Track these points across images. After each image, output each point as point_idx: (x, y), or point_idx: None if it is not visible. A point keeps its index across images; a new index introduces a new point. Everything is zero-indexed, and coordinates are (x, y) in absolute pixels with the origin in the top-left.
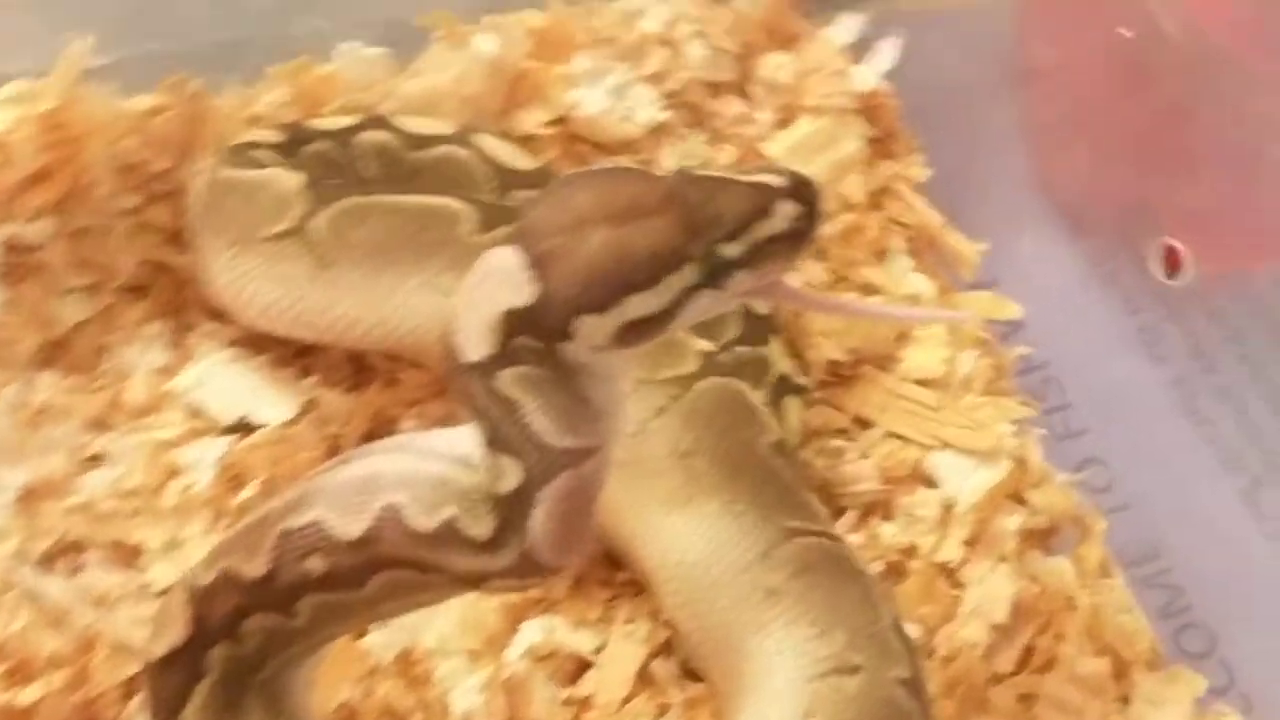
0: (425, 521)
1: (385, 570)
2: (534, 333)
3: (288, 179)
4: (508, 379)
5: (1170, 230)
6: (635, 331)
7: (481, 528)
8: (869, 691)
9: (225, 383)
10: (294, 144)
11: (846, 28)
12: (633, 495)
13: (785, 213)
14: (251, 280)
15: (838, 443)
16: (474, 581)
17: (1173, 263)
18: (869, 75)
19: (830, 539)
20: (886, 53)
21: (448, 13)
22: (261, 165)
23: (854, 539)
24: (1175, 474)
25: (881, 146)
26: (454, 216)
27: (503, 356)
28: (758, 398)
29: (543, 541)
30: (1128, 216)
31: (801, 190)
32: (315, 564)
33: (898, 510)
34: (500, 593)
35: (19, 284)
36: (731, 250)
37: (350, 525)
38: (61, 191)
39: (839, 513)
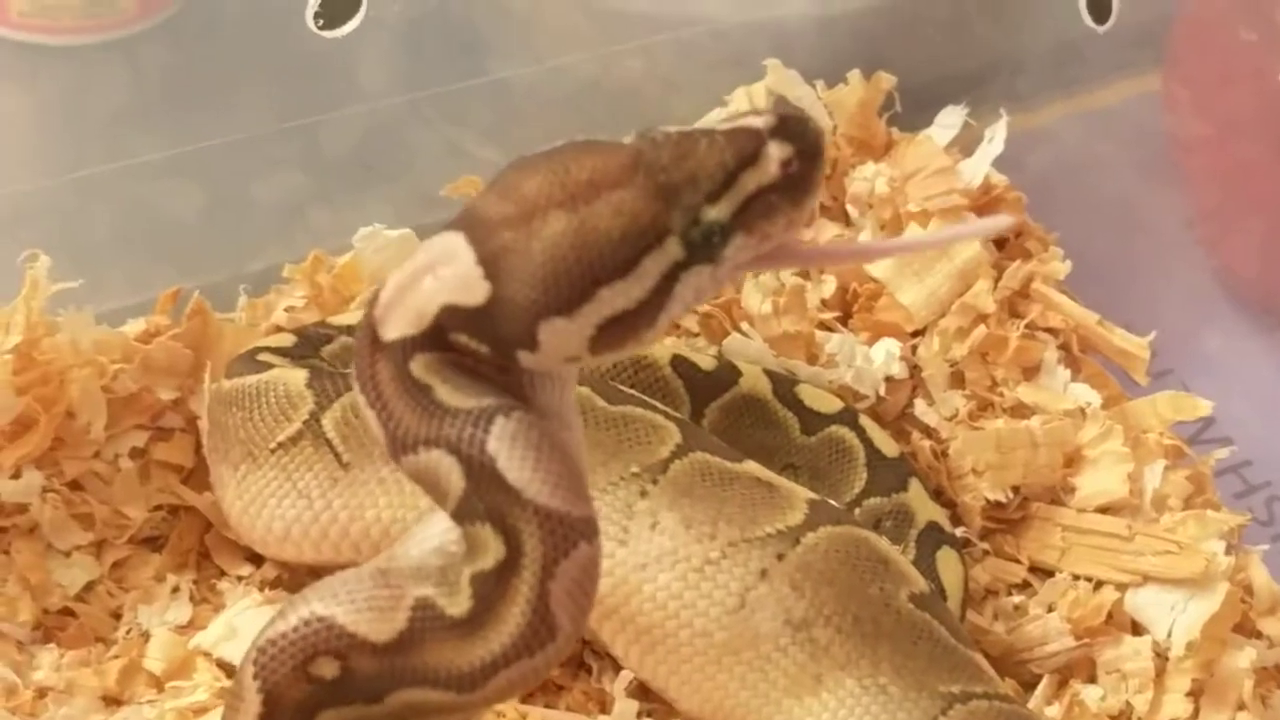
0: (461, 603)
1: (411, 688)
2: (476, 335)
3: (290, 376)
4: (423, 364)
5: None
6: (616, 331)
7: (490, 548)
8: None
9: (259, 631)
10: (309, 345)
11: (946, 124)
12: (748, 686)
13: (776, 156)
14: (266, 501)
15: (1017, 599)
16: (534, 631)
17: None
18: (979, 167)
19: (1003, 699)
20: (995, 138)
21: (477, 179)
22: (265, 369)
23: (1051, 712)
24: None
25: (1010, 246)
26: None
27: (427, 340)
28: (892, 548)
29: (532, 480)
30: None
31: (791, 126)
32: (325, 668)
33: (1101, 668)
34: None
35: (4, 551)
36: (717, 212)
37: (379, 624)
38: (45, 438)
39: (1030, 682)
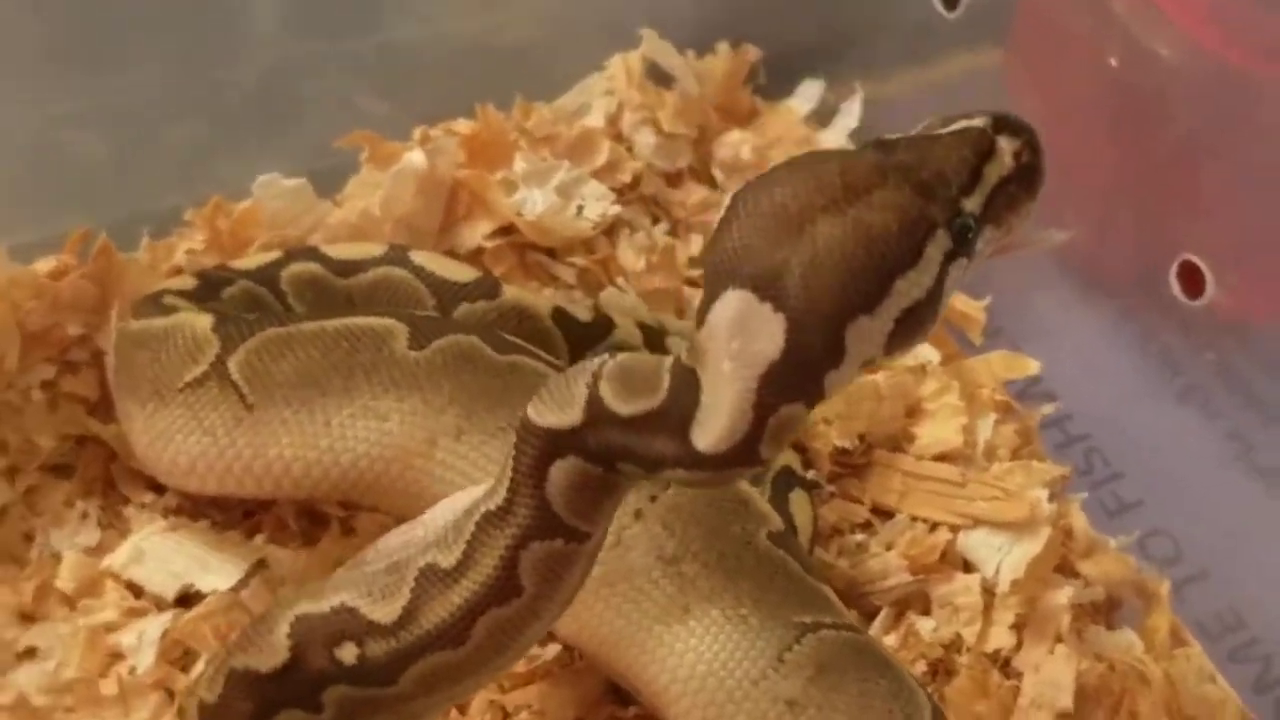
0: (454, 554)
1: (418, 659)
2: (789, 395)
3: (197, 320)
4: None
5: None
6: (908, 325)
7: (500, 490)
8: None
9: (164, 555)
10: (210, 288)
11: (806, 96)
12: (624, 615)
13: (1008, 148)
14: (173, 436)
15: (860, 538)
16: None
17: (1193, 284)
18: (835, 140)
19: (849, 629)
20: (850, 112)
21: (370, 132)
22: (171, 312)
23: (889, 640)
24: (1247, 537)
25: None
26: (384, 334)
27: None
28: (751, 490)
29: (563, 489)
30: (1153, 266)
31: (1011, 122)
32: (347, 653)
33: (935, 602)
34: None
35: None
36: (973, 204)
37: (387, 606)
38: None
39: (871, 613)
